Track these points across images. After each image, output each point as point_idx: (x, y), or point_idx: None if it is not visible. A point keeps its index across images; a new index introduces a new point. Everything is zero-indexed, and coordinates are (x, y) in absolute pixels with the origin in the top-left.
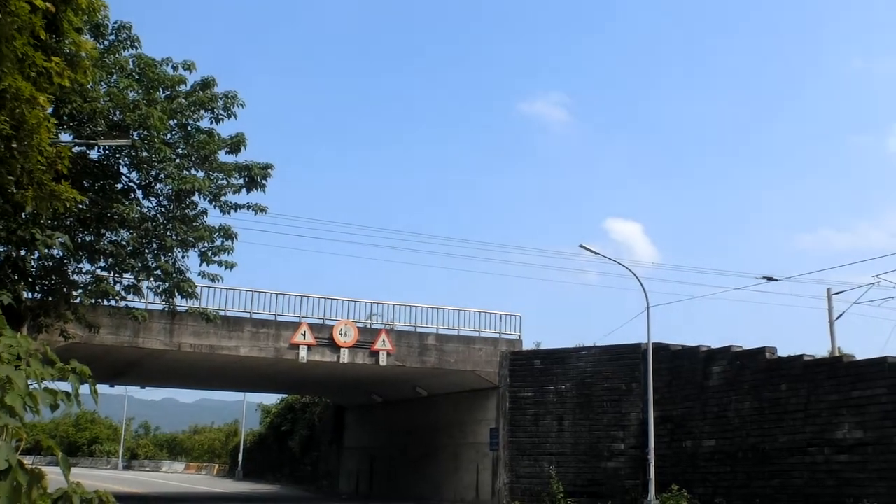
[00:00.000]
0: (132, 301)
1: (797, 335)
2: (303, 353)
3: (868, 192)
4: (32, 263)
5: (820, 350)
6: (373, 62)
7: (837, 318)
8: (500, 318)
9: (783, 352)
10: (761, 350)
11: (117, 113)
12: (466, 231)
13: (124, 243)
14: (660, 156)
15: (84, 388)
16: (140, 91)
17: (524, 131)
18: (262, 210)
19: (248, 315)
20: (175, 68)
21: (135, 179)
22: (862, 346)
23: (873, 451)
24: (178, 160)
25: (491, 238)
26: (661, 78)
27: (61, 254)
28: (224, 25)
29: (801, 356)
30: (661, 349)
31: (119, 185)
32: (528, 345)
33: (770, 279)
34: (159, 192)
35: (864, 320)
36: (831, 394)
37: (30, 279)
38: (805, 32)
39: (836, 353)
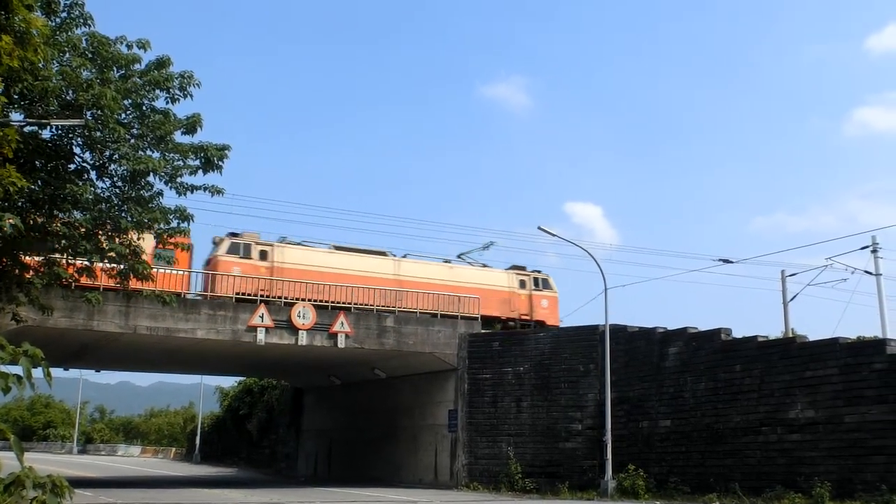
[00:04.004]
0: (86, 283)
1: (752, 316)
2: (260, 336)
3: (822, 177)
4: None
5: (774, 331)
6: (334, 45)
7: (791, 299)
8: (459, 299)
9: (738, 333)
10: (716, 331)
11: (70, 92)
12: (424, 213)
13: (78, 225)
14: (621, 139)
15: (37, 372)
16: (93, 70)
17: (485, 114)
18: (219, 191)
19: (205, 297)
20: (129, 47)
21: (88, 160)
22: (815, 327)
23: (824, 430)
24: (132, 141)
25: (450, 220)
26: (623, 62)
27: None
28: (183, 4)
29: (755, 337)
30: (618, 331)
31: (72, 166)
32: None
33: (726, 261)
34: (114, 172)
35: (817, 302)
36: (784, 374)
37: None
38: (765, 17)
39: (790, 335)
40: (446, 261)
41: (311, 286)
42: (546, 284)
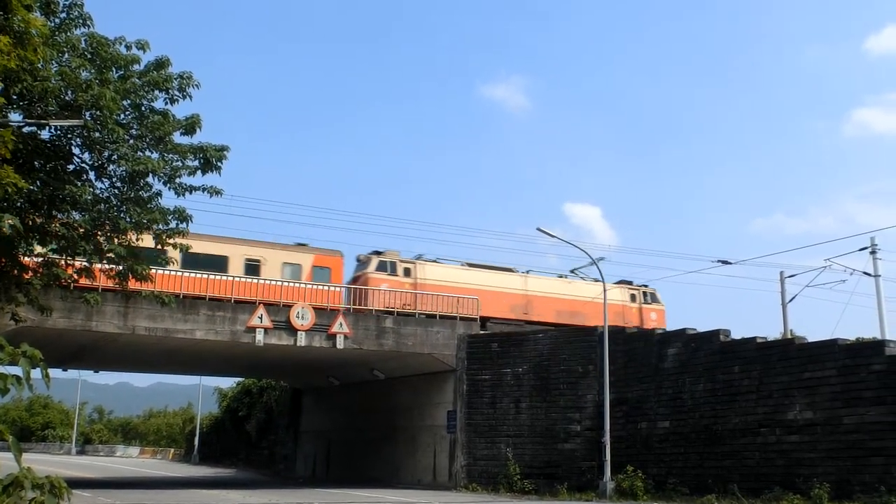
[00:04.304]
0: (85, 284)
1: (751, 318)
2: (259, 337)
3: (821, 178)
4: None
5: (772, 332)
6: (333, 44)
7: (790, 300)
8: (458, 300)
9: (736, 334)
10: (715, 333)
11: (69, 93)
12: (423, 214)
13: (77, 225)
14: (620, 140)
15: (35, 373)
16: (92, 70)
17: (485, 114)
18: (218, 192)
19: (204, 298)
20: (128, 47)
21: (87, 160)
22: (813, 328)
23: (823, 431)
24: (131, 141)
25: (449, 221)
26: (622, 62)
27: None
28: (184, 4)
29: (753, 338)
30: (616, 332)
31: (71, 167)
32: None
33: (725, 262)
34: (112, 173)
35: (816, 303)
36: (783, 375)
37: None
38: (764, 18)
39: (788, 336)
40: (560, 275)
41: (450, 299)
42: (654, 298)
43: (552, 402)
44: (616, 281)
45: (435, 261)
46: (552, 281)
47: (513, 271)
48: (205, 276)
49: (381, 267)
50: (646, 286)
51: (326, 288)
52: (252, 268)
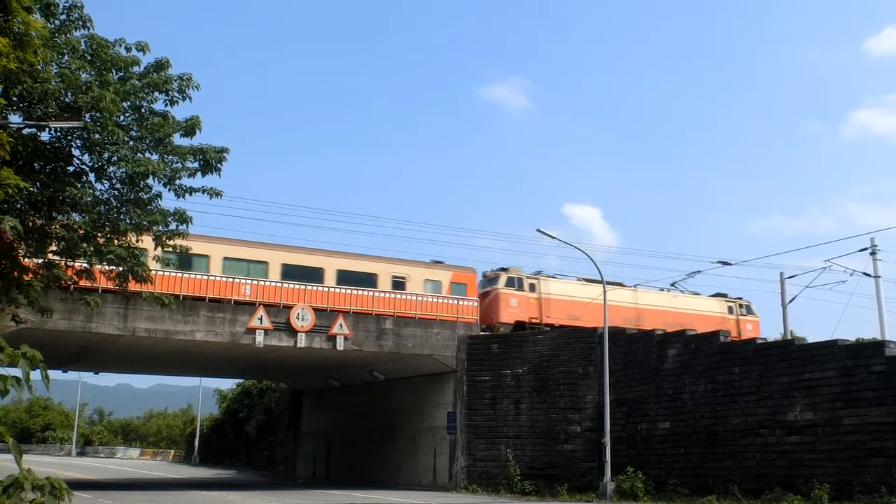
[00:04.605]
0: (85, 285)
1: None
2: (259, 338)
3: (820, 179)
4: None
5: (773, 333)
6: (331, 44)
7: (790, 301)
8: (458, 302)
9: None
10: (715, 333)
11: (69, 94)
12: (423, 215)
13: (77, 227)
14: (619, 141)
15: (35, 374)
16: (92, 72)
17: (484, 116)
18: (218, 194)
19: (203, 299)
20: (128, 49)
21: (87, 162)
22: (813, 329)
23: (823, 432)
24: (131, 143)
25: (449, 222)
26: (622, 63)
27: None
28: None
29: (753, 339)
30: (616, 333)
31: (71, 168)
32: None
33: (725, 263)
34: (112, 175)
35: (816, 304)
36: (783, 376)
37: None
38: (763, 19)
39: (789, 336)
40: (661, 289)
41: (566, 305)
42: (749, 310)
43: (552, 403)
44: (712, 294)
45: (554, 276)
46: (659, 294)
47: (623, 286)
48: (204, 276)
49: (510, 283)
50: (740, 298)
51: (456, 302)
52: (398, 284)
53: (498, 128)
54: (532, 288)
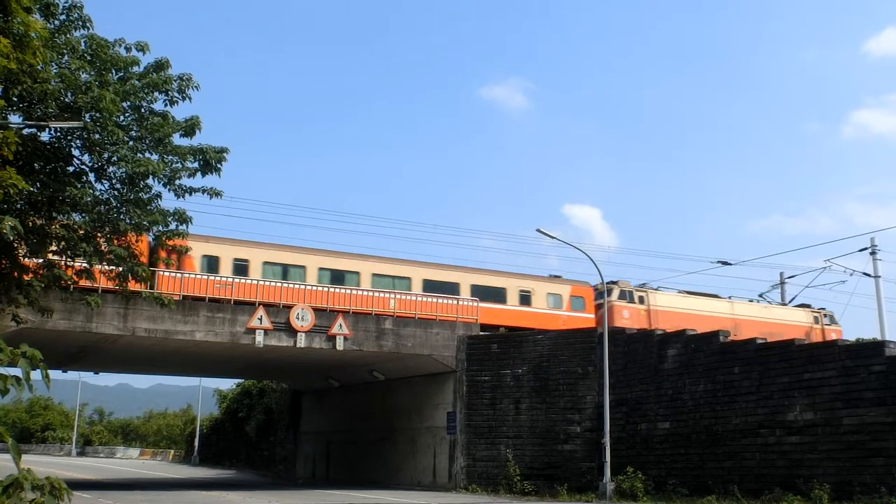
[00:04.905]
0: (85, 285)
1: None
2: (259, 338)
3: (819, 179)
4: None
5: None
6: (330, 44)
7: (790, 301)
8: (458, 302)
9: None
10: (715, 334)
11: (69, 94)
12: (423, 215)
13: (76, 227)
14: (619, 141)
15: (35, 374)
16: (92, 72)
17: (484, 116)
18: (217, 194)
19: (203, 299)
20: (128, 49)
21: (87, 162)
22: None
23: (823, 432)
24: (131, 143)
25: (450, 222)
26: (622, 64)
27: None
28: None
29: (753, 339)
30: (616, 333)
31: (71, 168)
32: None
33: (724, 263)
34: (112, 175)
35: (816, 304)
36: (783, 376)
37: None
38: (763, 20)
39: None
40: (750, 300)
41: (670, 316)
42: (833, 320)
43: (552, 403)
44: (797, 304)
45: (657, 289)
46: (753, 306)
47: (719, 297)
48: (204, 277)
49: (622, 296)
50: (823, 309)
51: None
52: (525, 298)
53: (498, 128)
54: (641, 300)
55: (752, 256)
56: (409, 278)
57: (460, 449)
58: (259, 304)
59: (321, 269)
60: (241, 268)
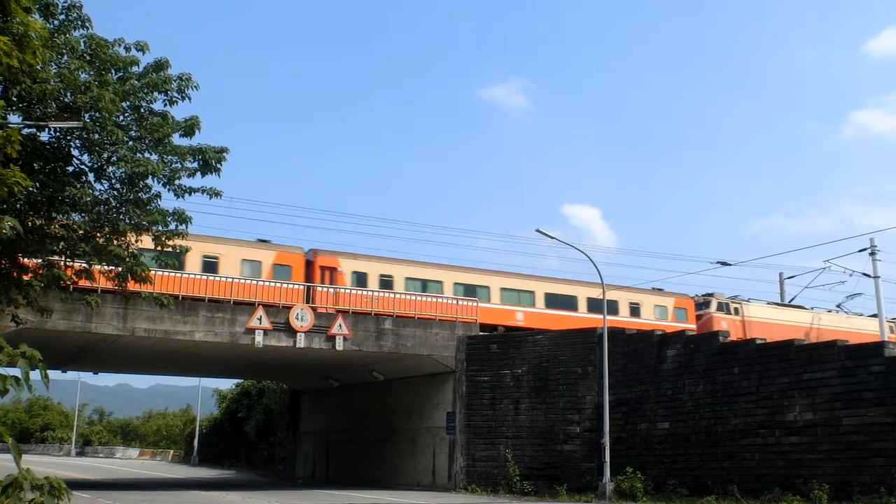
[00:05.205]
0: (84, 285)
1: None
2: (259, 338)
3: (819, 180)
4: None
5: None
6: (330, 44)
7: (789, 301)
8: (458, 302)
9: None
10: (714, 334)
11: (68, 94)
12: (423, 215)
13: (76, 227)
14: (619, 142)
15: (35, 374)
16: (91, 72)
17: (484, 117)
18: (217, 194)
19: (203, 299)
20: (127, 49)
21: (87, 162)
22: None
23: (823, 432)
24: (130, 143)
25: (449, 223)
26: (621, 64)
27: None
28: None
29: (753, 340)
30: (616, 333)
31: (70, 168)
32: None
33: (724, 264)
34: (112, 175)
35: (815, 304)
36: (782, 376)
37: None
38: (763, 21)
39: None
40: (828, 310)
41: (762, 327)
42: None
43: (551, 403)
44: (871, 314)
45: (748, 300)
46: (834, 316)
47: (803, 308)
48: (203, 277)
49: (720, 308)
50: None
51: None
52: (634, 309)
53: (498, 128)
54: (736, 311)
55: (751, 257)
56: (532, 292)
57: (460, 449)
58: (258, 305)
59: (456, 283)
60: (385, 283)
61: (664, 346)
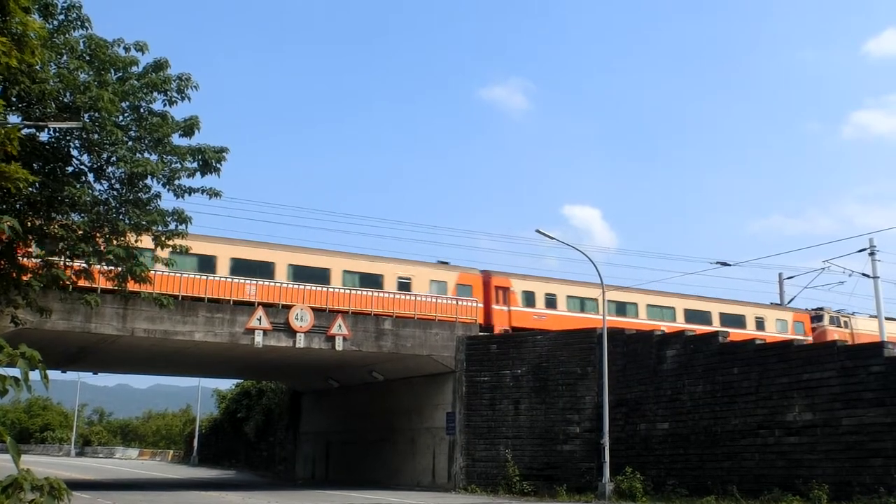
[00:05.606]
0: (84, 285)
1: None
2: (258, 338)
3: (819, 180)
4: None
5: None
6: (330, 44)
7: (789, 302)
8: (458, 303)
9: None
10: (714, 334)
11: (67, 94)
12: (423, 216)
13: (75, 227)
14: (619, 142)
15: (34, 374)
16: (91, 72)
17: (484, 117)
18: (217, 194)
19: (202, 300)
20: (127, 49)
21: (86, 162)
22: None
23: (822, 432)
24: (130, 143)
25: (449, 223)
26: (621, 64)
27: (11, 238)
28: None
29: (752, 340)
30: (616, 333)
31: (70, 168)
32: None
33: (724, 264)
34: (111, 175)
35: (815, 304)
36: (782, 377)
37: None
38: (763, 21)
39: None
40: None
41: (870, 339)
42: None
43: (551, 403)
44: None
45: (853, 314)
46: None
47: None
48: (203, 277)
49: (832, 321)
50: None
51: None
52: (760, 323)
53: (498, 128)
54: (846, 324)
55: (751, 257)
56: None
57: (460, 449)
58: (258, 305)
59: (609, 301)
60: (551, 301)
61: (664, 347)
